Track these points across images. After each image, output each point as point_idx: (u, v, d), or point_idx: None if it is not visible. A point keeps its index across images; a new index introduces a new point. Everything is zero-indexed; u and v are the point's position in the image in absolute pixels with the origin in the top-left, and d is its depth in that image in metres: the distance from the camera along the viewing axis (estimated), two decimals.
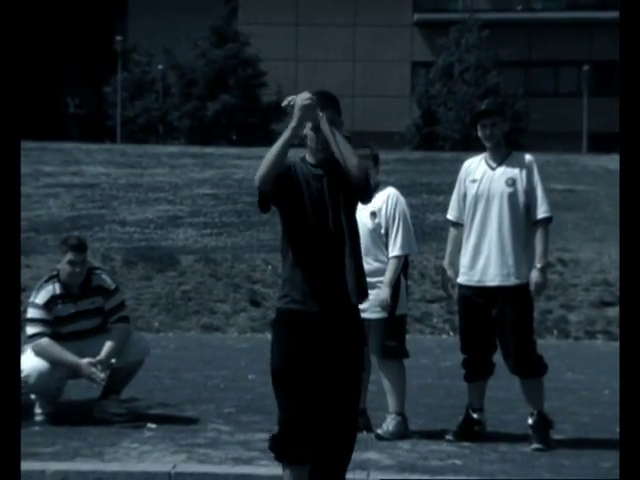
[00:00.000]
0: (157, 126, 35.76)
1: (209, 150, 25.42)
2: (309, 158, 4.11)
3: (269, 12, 36.90)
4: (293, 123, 3.92)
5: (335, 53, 37.02)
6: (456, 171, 6.07)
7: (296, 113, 3.90)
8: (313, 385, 4.00)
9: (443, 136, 32.86)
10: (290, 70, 36.55)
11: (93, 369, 6.00)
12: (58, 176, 19.37)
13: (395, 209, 5.81)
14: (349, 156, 3.93)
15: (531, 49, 36.37)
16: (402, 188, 6.98)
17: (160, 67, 35.89)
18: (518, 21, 36.33)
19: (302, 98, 3.91)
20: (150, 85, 36.40)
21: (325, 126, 3.97)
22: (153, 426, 6.01)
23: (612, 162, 23.60)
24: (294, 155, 4.11)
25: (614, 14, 34.54)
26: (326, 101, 3.99)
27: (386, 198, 5.82)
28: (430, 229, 14.48)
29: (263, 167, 3.87)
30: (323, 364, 4.00)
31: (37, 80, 38.85)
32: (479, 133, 5.80)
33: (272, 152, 3.89)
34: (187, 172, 20.63)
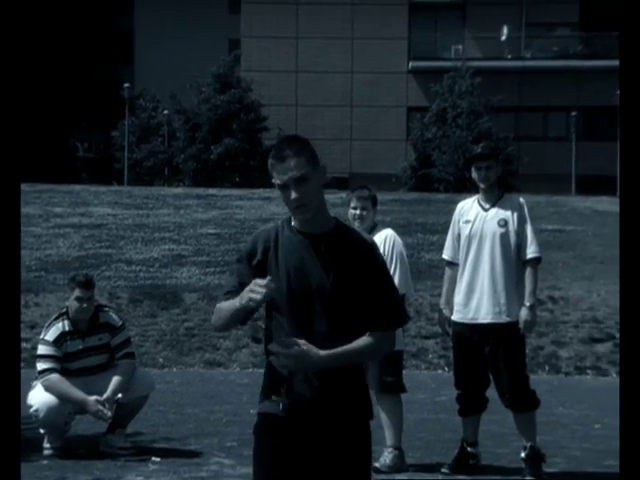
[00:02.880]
0: (163, 169, 36.13)
1: (212, 191, 25.65)
2: (295, 222, 3.11)
3: (270, 59, 37.49)
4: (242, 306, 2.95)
5: (333, 98, 37.55)
6: (450, 212, 6.21)
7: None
8: None
9: (437, 178, 33.36)
10: (290, 115, 37.00)
11: (100, 407, 6.12)
12: (67, 217, 19.59)
13: (393, 250, 5.95)
14: (369, 358, 3.27)
15: (521, 95, 36.97)
16: (398, 228, 7.14)
17: (166, 112, 36.38)
18: (509, 69, 37.01)
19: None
20: (156, 129, 36.85)
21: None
22: (157, 460, 6.11)
23: (600, 203, 23.84)
24: (277, 218, 3.33)
25: (601, 63, 35.42)
26: (301, 148, 3.05)
27: (384, 239, 5.96)
28: (425, 267, 14.61)
29: (219, 321, 3.12)
30: None
31: (48, 126, 39.44)
32: (474, 175, 5.96)
33: (226, 314, 3.07)
34: (191, 213, 20.84)
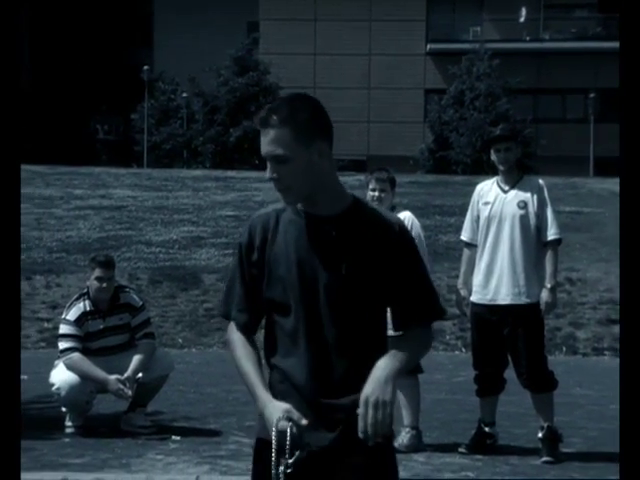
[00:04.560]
0: (182, 151, 36.21)
1: (231, 174, 25.70)
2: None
3: (288, 42, 37.47)
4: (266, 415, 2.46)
5: (351, 81, 37.50)
6: (467, 194, 6.22)
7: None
8: None
9: (455, 160, 33.31)
10: None
11: (121, 386, 6.20)
12: (88, 199, 19.71)
13: (410, 232, 5.98)
14: (415, 360, 2.59)
15: (539, 77, 36.79)
16: (415, 210, 7.16)
17: (185, 95, 36.44)
18: (527, 51, 36.84)
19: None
20: (175, 112, 36.93)
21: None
22: (177, 438, 6.19)
23: (617, 185, 23.65)
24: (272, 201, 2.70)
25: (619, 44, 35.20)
26: (290, 116, 2.40)
27: None
28: (443, 249, 14.62)
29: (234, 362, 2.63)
30: None
31: (69, 108, 39.66)
32: (493, 157, 5.98)
33: (241, 373, 2.62)
34: (210, 195, 20.90)
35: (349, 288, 2.45)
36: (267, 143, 2.39)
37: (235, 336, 2.63)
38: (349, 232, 2.47)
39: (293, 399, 2.49)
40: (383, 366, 2.40)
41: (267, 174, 2.44)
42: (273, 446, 2.40)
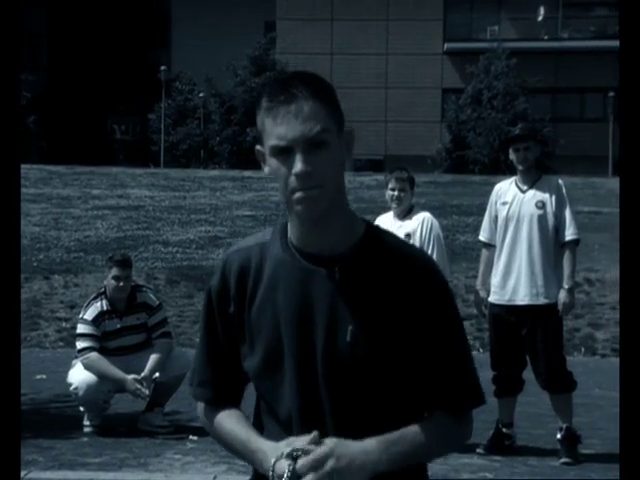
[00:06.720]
0: (199, 151, 36.34)
1: (248, 174, 25.75)
2: (292, 233, 1.83)
3: (305, 42, 37.57)
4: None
5: (368, 81, 37.54)
6: (485, 193, 6.21)
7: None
8: None
9: (473, 160, 33.29)
10: None
11: (138, 385, 6.22)
12: (105, 199, 19.81)
13: (430, 233, 5.95)
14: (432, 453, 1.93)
15: (558, 76, 36.68)
16: (433, 210, 7.12)
17: (201, 95, 36.57)
18: (545, 49, 36.77)
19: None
20: (192, 112, 37.08)
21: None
22: (195, 438, 6.19)
23: None
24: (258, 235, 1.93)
25: None
26: (321, 89, 1.78)
27: (421, 222, 5.97)
28: (460, 249, 14.60)
29: (219, 441, 2.04)
30: None
31: (86, 109, 39.90)
32: (511, 156, 5.96)
33: (230, 445, 1.99)
34: (227, 195, 20.96)
35: (354, 362, 1.76)
36: (301, 121, 1.71)
37: (206, 417, 1.96)
38: (359, 278, 1.76)
39: None
40: (368, 449, 1.74)
41: (297, 168, 1.70)
42: None
